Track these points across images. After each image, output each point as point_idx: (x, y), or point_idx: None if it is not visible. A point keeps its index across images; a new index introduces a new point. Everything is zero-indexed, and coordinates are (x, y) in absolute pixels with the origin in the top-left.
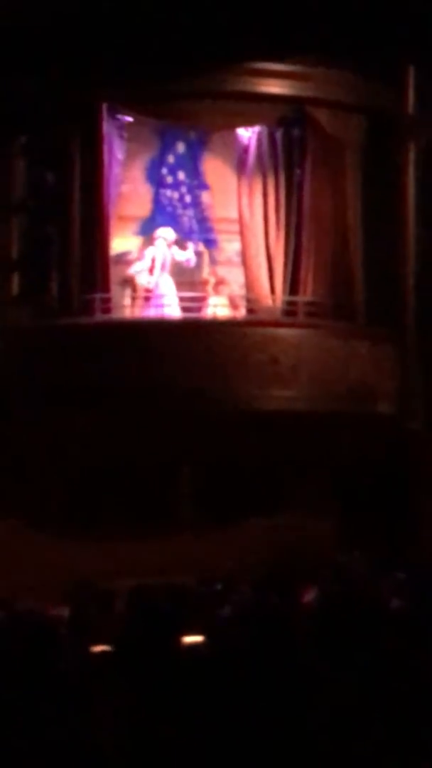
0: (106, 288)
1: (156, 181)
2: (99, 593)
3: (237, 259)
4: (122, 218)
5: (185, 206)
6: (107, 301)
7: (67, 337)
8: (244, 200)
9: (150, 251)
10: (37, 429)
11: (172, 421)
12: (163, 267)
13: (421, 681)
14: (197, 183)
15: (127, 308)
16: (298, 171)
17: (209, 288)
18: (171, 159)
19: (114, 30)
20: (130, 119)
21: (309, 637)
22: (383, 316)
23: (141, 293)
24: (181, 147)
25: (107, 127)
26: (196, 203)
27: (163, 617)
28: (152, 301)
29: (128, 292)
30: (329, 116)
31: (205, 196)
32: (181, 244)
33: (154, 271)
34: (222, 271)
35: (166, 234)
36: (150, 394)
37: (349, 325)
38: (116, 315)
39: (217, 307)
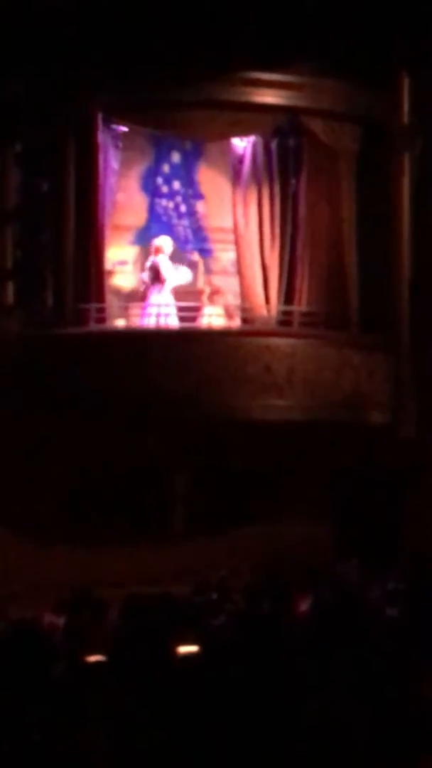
0: (100, 297)
1: (151, 190)
2: (93, 602)
3: (232, 269)
4: (117, 228)
5: (180, 216)
6: (102, 310)
7: (61, 346)
8: (239, 210)
9: (161, 259)
10: (31, 437)
11: (167, 430)
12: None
13: (415, 689)
14: (192, 192)
15: (123, 318)
16: (292, 180)
17: (204, 298)
18: (166, 168)
19: (109, 39)
20: (125, 129)
21: (303, 646)
22: (377, 326)
23: (137, 302)
24: (176, 157)
25: (102, 136)
26: (191, 213)
27: (157, 627)
28: (148, 311)
29: (123, 301)
30: (324, 126)
31: (200, 206)
32: (180, 258)
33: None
34: (217, 280)
35: (164, 244)
36: (145, 404)
37: (344, 335)
38: (111, 324)
39: (213, 317)
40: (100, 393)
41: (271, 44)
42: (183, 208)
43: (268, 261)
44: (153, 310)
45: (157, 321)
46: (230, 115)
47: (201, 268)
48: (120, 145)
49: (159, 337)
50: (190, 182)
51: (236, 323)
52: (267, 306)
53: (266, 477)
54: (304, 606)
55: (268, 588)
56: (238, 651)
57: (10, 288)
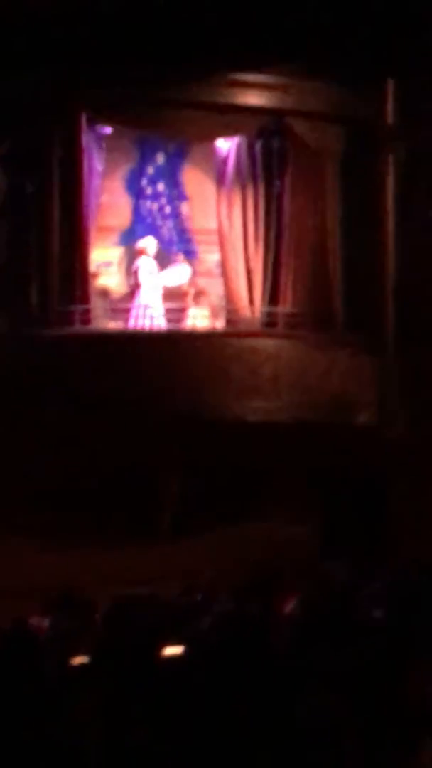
0: (85, 299)
1: (135, 191)
2: (79, 603)
3: (217, 270)
4: (102, 229)
5: (165, 217)
6: (87, 311)
7: (46, 347)
8: (223, 211)
9: (141, 262)
10: (17, 438)
11: (152, 432)
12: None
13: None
14: (177, 194)
15: (107, 319)
16: (277, 182)
17: (189, 299)
18: (150, 170)
19: (93, 40)
20: (109, 130)
21: (290, 647)
22: (363, 326)
23: (122, 304)
24: (160, 158)
25: (86, 137)
26: (176, 214)
27: (143, 628)
28: (133, 312)
29: (108, 303)
30: (308, 127)
31: (185, 207)
32: (164, 259)
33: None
34: (202, 282)
35: (148, 245)
36: (129, 405)
37: (329, 335)
38: (96, 325)
39: (197, 318)
40: (84, 394)
41: (255, 45)
42: (167, 210)
43: (252, 262)
44: (137, 312)
45: (142, 322)
46: (215, 117)
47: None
48: (104, 146)
49: (143, 338)
50: (174, 183)
51: (221, 324)
52: (251, 307)
53: (253, 478)
54: (289, 606)
55: (256, 589)
56: (225, 652)
57: None
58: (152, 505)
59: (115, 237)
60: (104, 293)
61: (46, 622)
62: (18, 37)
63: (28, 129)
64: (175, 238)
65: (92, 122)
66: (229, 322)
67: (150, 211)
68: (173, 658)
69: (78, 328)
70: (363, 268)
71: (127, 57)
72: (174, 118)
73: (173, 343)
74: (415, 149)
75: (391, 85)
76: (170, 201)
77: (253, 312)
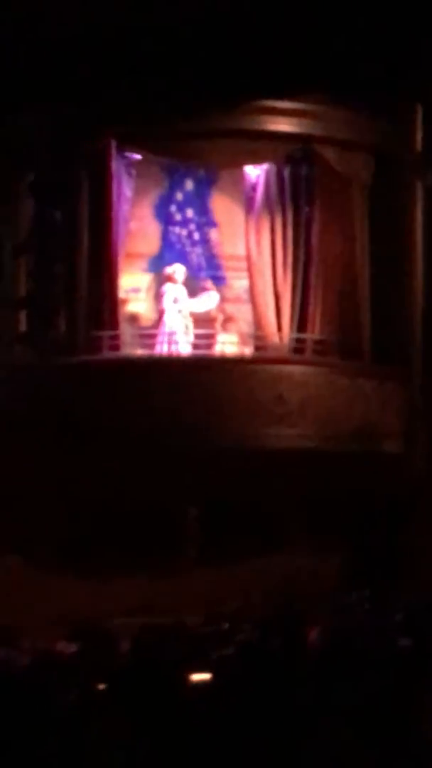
0: (114, 325)
1: (164, 218)
2: (104, 633)
3: (245, 297)
4: (130, 255)
5: (194, 243)
6: (115, 338)
7: (74, 374)
8: (252, 238)
9: (167, 288)
10: (42, 466)
11: (179, 459)
12: (175, 303)
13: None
14: (205, 220)
15: (136, 345)
16: (305, 209)
17: (218, 325)
18: (179, 196)
19: (122, 68)
20: (138, 157)
21: (313, 678)
22: (390, 355)
23: (151, 331)
24: (189, 184)
25: (116, 164)
26: (205, 240)
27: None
28: (161, 338)
29: (137, 329)
30: (337, 154)
31: (214, 234)
32: (193, 285)
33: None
34: (231, 308)
35: (176, 271)
36: (157, 432)
37: (356, 364)
38: (124, 352)
39: (226, 344)
40: (112, 421)
41: (284, 73)
42: (196, 236)
43: (280, 289)
44: (162, 338)
45: (167, 348)
46: (243, 143)
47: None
48: (133, 173)
49: (172, 365)
50: (203, 210)
51: (249, 351)
52: (279, 334)
53: (278, 507)
54: (313, 637)
55: (280, 619)
56: (249, 682)
57: (24, 316)
58: (176, 535)
59: (143, 263)
60: (133, 319)
61: (71, 649)
62: (48, 65)
63: (57, 156)
64: (203, 264)
65: (121, 149)
66: (257, 348)
67: (179, 238)
68: (197, 687)
69: (106, 354)
70: (391, 296)
71: (155, 84)
72: (203, 146)
73: (201, 370)
74: None
75: (419, 113)
76: (199, 227)
77: (281, 338)
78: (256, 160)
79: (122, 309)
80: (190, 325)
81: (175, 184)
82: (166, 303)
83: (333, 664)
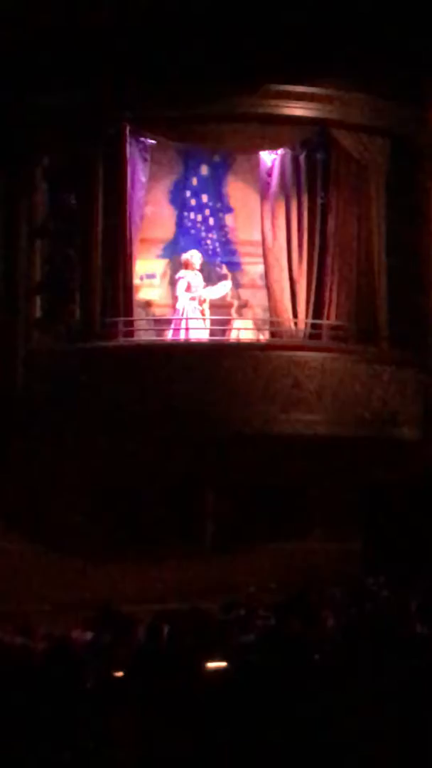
0: (129, 311)
1: (179, 203)
2: (120, 618)
3: (261, 282)
4: (145, 241)
5: (209, 229)
6: (130, 324)
7: (90, 360)
8: (267, 223)
9: (181, 274)
10: (59, 451)
11: (195, 444)
12: (188, 290)
13: None
14: (221, 206)
15: (151, 331)
16: (321, 194)
17: (233, 311)
18: (194, 181)
19: (138, 53)
20: (153, 142)
21: (332, 663)
22: (407, 340)
23: (166, 316)
24: (204, 169)
25: (131, 149)
26: (220, 226)
27: (186, 643)
28: (177, 324)
29: (152, 314)
30: (353, 139)
31: (229, 219)
32: (208, 271)
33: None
34: (246, 293)
35: (193, 257)
36: (173, 418)
37: (373, 349)
38: (139, 338)
39: (241, 330)
40: (127, 407)
41: (300, 57)
42: (211, 221)
43: (296, 274)
44: (177, 324)
45: (181, 334)
46: (259, 128)
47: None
48: (148, 158)
49: (187, 350)
50: (218, 195)
51: (265, 337)
52: (295, 319)
53: (295, 492)
54: (331, 622)
55: (298, 605)
56: (267, 668)
57: (39, 302)
58: (194, 519)
59: (158, 249)
60: (148, 305)
61: (88, 636)
62: (63, 51)
63: (72, 142)
64: (218, 249)
65: (136, 134)
66: (273, 334)
67: (194, 223)
68: (215, 673)
69: (121, 340)
70: (408, 281)
71: (170, 69)
72: (218, 130)
73: (217, 355)
74: None
75: None
76: (214, 213)
77: (297, 324)
78: (271, 144)
79: (137, 295)
80: (207, 310)
81: (191, 169)
82: (181, 289)
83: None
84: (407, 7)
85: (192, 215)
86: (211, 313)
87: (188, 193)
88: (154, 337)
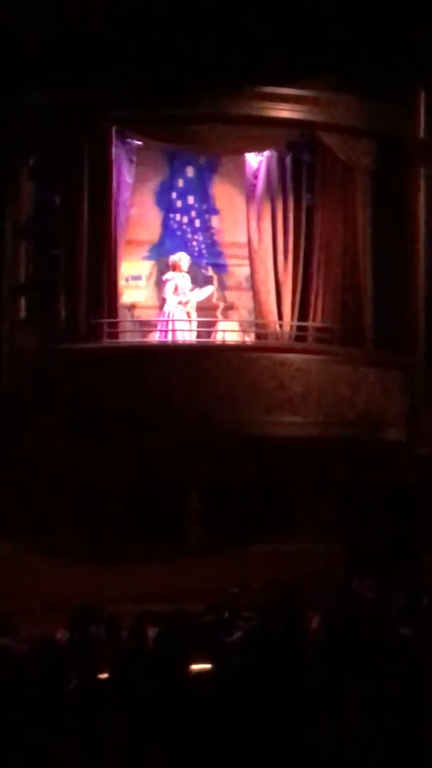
0: (113, 313)
1: (165, 205)
2: (105, 619)
3: (246, 284)
4: (131, 242)
5: (195, 231)
6: (115, 325)
7: (74, 361)
8: (253, 225)
9: (168, 276)
10: (43, 452)
11: (181, 446)
12: (176, 292)
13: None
14: (207, 207)
15: (136, 333)
16: (307, 195)
17: (219, 313)
18: (180, 183)
19: (124, 54)
20: (139, 143)
21: (316, 665)
22: (393, 342)
23: (151, 318)
24: (190, 171)
25: (116, 150)
26: (206, 228)
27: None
28: (162, 326)
29: (138, 316)
30: (339, 141)
31: (215, 221)
32: (194, 273)
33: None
34: (231, 295)
35: (181, 259)
36: (158, 419)
37: (358, 351)
38: (124, 339)
39: (227, 332)
40: (112, 409)
41: (286, 59)
42: (197, 223)
43: (281, 276)
44: (163, 326)
45: (168, 336)
46: (245, 130)
47: (215, 283)
48: (134, 159)
49: (172, 352)
50: (204, 197)
51: (251, 338)
52: (281, 321)
53: (280, 494)
54: (315, 623)
55: (282, 606)
56: (251, 669)
57: (24, 303)
58: (178, 521)
59: (144, 250)
60: (132, 307)
61: (71, 637)
62: (49, 51)
63: (57, 142)
64: (204, 251)
65: (122, 135)
66: (258, 336)
67: (180, 225)
68: (199, 675)
69: (106, 342)
70: (393, 283)
71: (156, 70)
72: (204, 132)
73: (202, 357)
74: None
75: (422, 99)
76: (200, 214)
77: (282, 326)
78: (257, 146)
79: (122, 296)
80: (193, 312)
81: (176, 171)
82: (169, 291)
83: (336, 651)
84: (394, 9)
85: (178, 217)
86: (197, 315)
87: (174, 195)
88: (139, 339)
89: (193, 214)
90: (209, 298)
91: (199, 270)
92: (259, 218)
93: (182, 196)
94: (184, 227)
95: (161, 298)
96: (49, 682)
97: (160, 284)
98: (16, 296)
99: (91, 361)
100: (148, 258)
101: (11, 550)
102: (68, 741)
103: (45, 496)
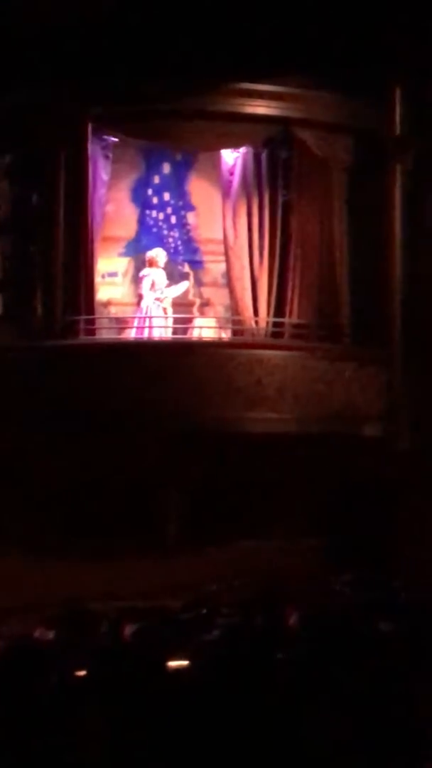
0: (90, 309)
1: (141, 201)
2: (84, 616)
3: (223, 281)
4: (107, 239)
5: (171, 227)
6: (91, 322)
7: (50, 358)
8: (229, 222)
9: (145, 272)
10: (18, 449)
11: (158, 443)
12: (152, 288)
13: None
14: (183, 204)
15: (112, 330)
16: (283, 192)
17: (195, 309)
18: (157, 180)
19: (100, 49)
20: (115, 139)
21: (296, 661)
22: (369, 337)
23: (128, 315)
24: (166, 168)
25: (92, 147)
26: (182, 224)
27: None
28: (139, 323)
29: (114, 313)
30: (315, 137)
31: (191, 217)
32: (171, 269)
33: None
34: (208, 292)
35: (157, 256)
36: (135, 416)
37: (335, 347)
38: (100, 336)
39: (203, 329)
40: (89, 406)
41: (262, 55)
42: (173, 220)
43: (257, 273)
44: (140, 322)
45: (145, 333)
46: (221, 126)
47: (192, 279)
48: (110, 155)
49: (148, 349)
50: (180, 193)
51: (227, 335)
52: (257, 318)
53: (258, 490)
54: (294, 620)
55: (261, 602)
56: (231, 666)
57: (0, 300)
58: (156, 518)
59: (120, 247)
60: (109, 304)
61: (50, 635)
62: (25, 48)
63: (33, 139)
64: (181, 248)
65: (98, 132)
66: (235, 332)
67: (156, 221)
68: (178, 672)
69: (83, 339)
70: (370, 279)
71: (133, 67)
72: (180, 128)
73: (178, 354)
74: (423, 159)
75: (398, 95)
76: (176, 211)
77: (257, 323)
78: (233, 143)
79: (98, 293)
80: (169, 309)
81: (152, 168)
82: (146, 287)
83: (316, 647)
84: (370, 5)
85: (154, 213)
86: (174, 312)
87: (150, 192)
88: (116, 336)
89: (169, 210)
90: (185, 294)
91: (176, 266)
92: (235, 214)
93: (158, 192)
94: (160, 224)
95: (138, 294)
96: (26, 681)
97: (136, 281)
98: None
99: (68, 358)
100: (125, 255)
101: None
102: (47, 739)
103: (22, 494)
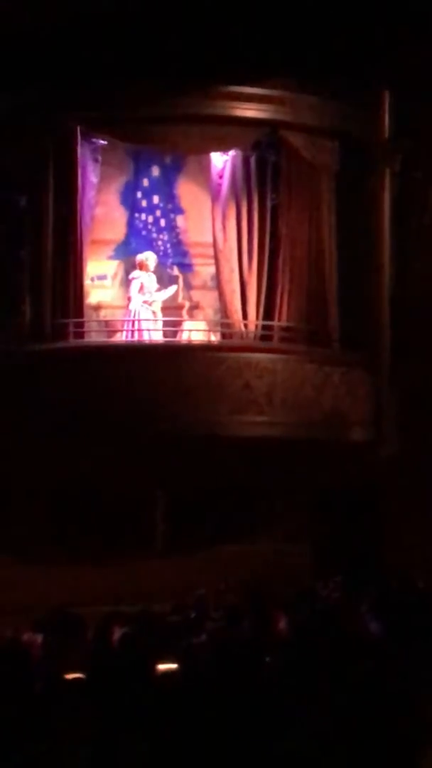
0: (79, 312)
1: (130, 204)
2: (71, 620)
3: (212, 284)
4: (96, 242)
5: (160, 230)
6: (81, 325)
7: (39, 362)
8: (218, 225)
9: (134, 275)
10: (10, 453)
11: (146, 447)
12: (141, 291)
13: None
14: (172, 207)
15: (101, 333)
16: (272, 195)
17: (184, 312)
18: (146, 183)
19: (89, 53)
20: (104, 142)
21: (283, 665)
22: (358, 342)
23: (117, 318)
24: (155, 171)
25: (81, 150)
26: (171, 227)
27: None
28: (126, 326)
29: (103, 316)
30: (304, 141)
31: (180, 220)
32: (160, 272)
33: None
34: (197, 295)
35: (147, 259)
36: (124, 420)
37: (324, 351)
38: (89, 339)
39: (192, 332)
40: (78, 409)
41: (251, 58)
42: (162, 223)
43: (246, 276)
44: (129, 325)
45: (134, 336)
46: (210, 129)
47: (181, 282)
48: (99, 159)
49: (137, 352)
50: (169, 196)
51: (216, 338)
52: (246, 321)
53: (246, 494)
54: (282, 624)
55: (249, 607)
56: (218, 670)
57: None
58: (145, 521)
59: (109, 250)
60: (98, 307)
61: (38, 639)
62: (13, 51)
63: (22, 142)
64: (170, 251)
65: (87, 135)
66: (224, 335)
67: (145, 224)
68: (167, 675)
69: (72, 342)
70: (359, 283)
71: (121, 70)
72: (169, 132)
73: (167, 357)
74: (411, 163)
75: (386, 100)
76: (165, 214)
77: (246, 326)
78: (222, 146)
79: (87, 296)
80: (159, 312)
81: (142, 171)
82: (135, 290)
83: (303, 651)
84: (359, 10)
85: (143, 216)
86: (163, 315)
87: (139, 194)
88: (105, 339)
89: (158, 213)
90: (174, 297)
91: (165, 269)
92: (224, 218)
93: (147, 195)
94: (150, 227)
95: (127, 297)
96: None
97: (125, 284)
98: None
99: (57, 361)
100: (114, 257)
101: None
102: (35, 742)
103: (10, 498)
